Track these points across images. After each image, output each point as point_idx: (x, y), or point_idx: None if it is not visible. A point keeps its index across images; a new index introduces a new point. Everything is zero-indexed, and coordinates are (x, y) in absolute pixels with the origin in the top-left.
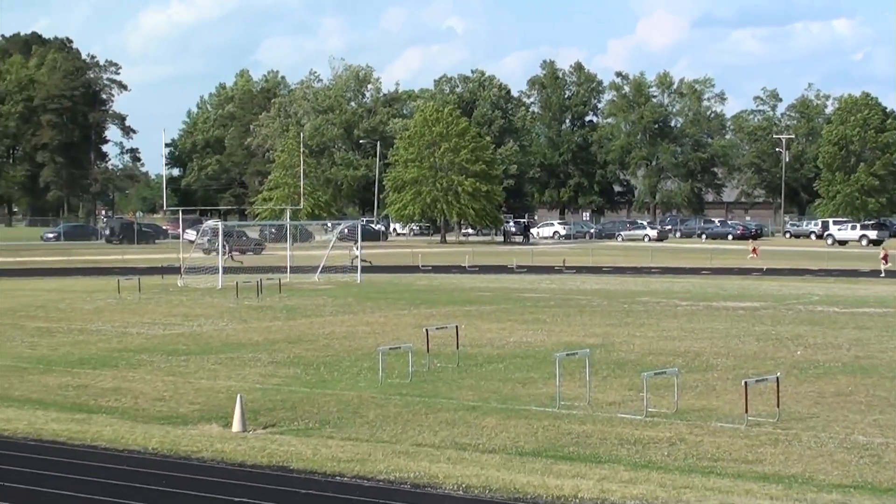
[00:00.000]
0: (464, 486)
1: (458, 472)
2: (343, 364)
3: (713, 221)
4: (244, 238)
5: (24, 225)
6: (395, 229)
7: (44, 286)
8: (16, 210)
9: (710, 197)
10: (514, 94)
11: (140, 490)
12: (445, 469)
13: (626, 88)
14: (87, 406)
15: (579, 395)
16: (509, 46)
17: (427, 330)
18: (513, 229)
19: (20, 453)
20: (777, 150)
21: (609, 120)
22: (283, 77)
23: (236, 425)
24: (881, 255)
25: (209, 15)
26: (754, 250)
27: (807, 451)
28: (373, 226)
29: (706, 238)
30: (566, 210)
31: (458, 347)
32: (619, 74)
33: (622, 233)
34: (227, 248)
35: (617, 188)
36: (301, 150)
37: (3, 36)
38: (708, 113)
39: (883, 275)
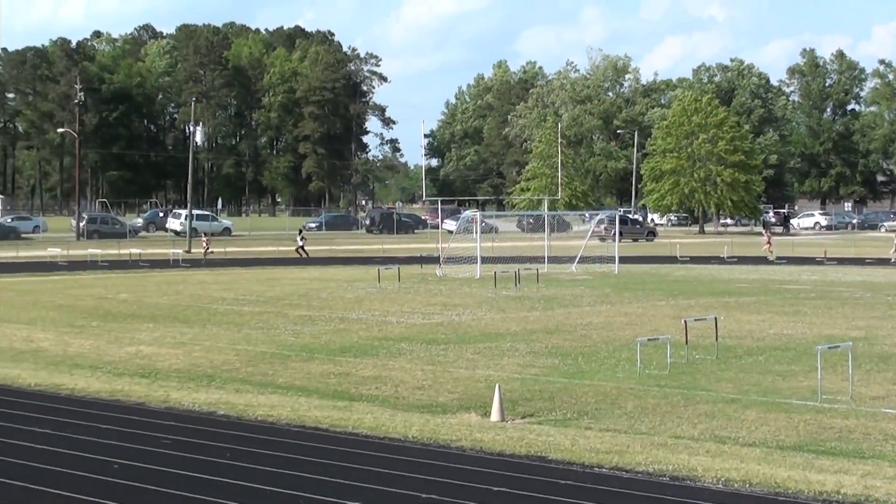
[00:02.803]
0: (723, 479)
1: (718, 465)
2: (601, 355)
3: None
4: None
5: (288, 215)
6: (652, 220)
7: (306, 275)
8: (279, 200)
9: None
10: (774, 82)
11: (400, 477)
12: (705, 462)
13: (891, 76)
14: (348, 394)
15: (841, 389)
16: (770, 34)
17: (685, 321)
18: (772, 220)
19: (284, 439)
20: None
21: (872, 108)
22: (540, 67)
23: (495, 415)
24: None
25: (471, 6)
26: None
27: None
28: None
29: None
30: (827, 200)
31: (717, 339)
32: (882, 62)
33: (885, 223)
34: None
35: (880, 178)
36: (559, 140)
37: (267, 30)
38: None
39: None
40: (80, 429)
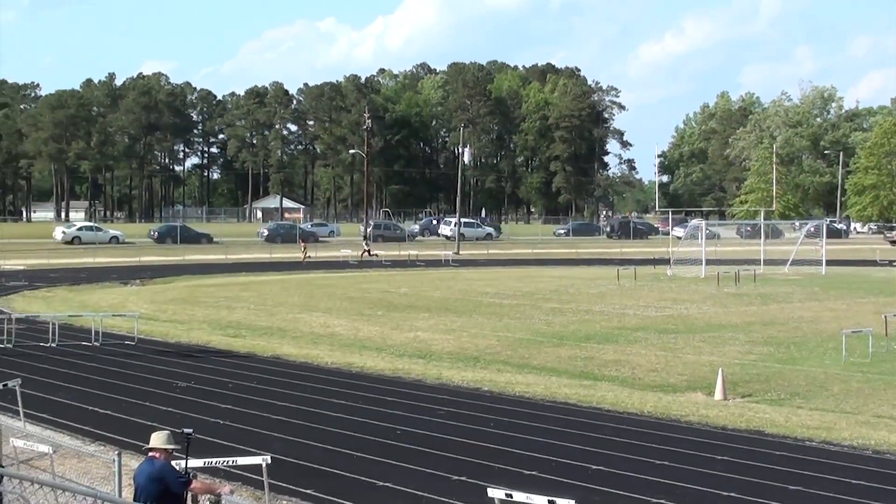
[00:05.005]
0: None
1: None
2: (810, 344)
3: None
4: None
5: (540, 223)
6: (855, 228)
7: (556, 274)
8: (532, 210)
9: None
10: None
11: (637, 446)
12: None
13: None
14: (592, 374)
15: None
16: None
17: (885, 316)
18: None
19: (539, 412)
20: None
21: None
22: (757, 97)
23: (718, 394)
24: None
25: (698, 45)
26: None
27: None
28: (835, 225)
29: None
30: None
31: None
32: None
33: None
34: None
35: None
36: (773, 159)
37: (523, 66)
38: None
39: None
40: (368, 400)
